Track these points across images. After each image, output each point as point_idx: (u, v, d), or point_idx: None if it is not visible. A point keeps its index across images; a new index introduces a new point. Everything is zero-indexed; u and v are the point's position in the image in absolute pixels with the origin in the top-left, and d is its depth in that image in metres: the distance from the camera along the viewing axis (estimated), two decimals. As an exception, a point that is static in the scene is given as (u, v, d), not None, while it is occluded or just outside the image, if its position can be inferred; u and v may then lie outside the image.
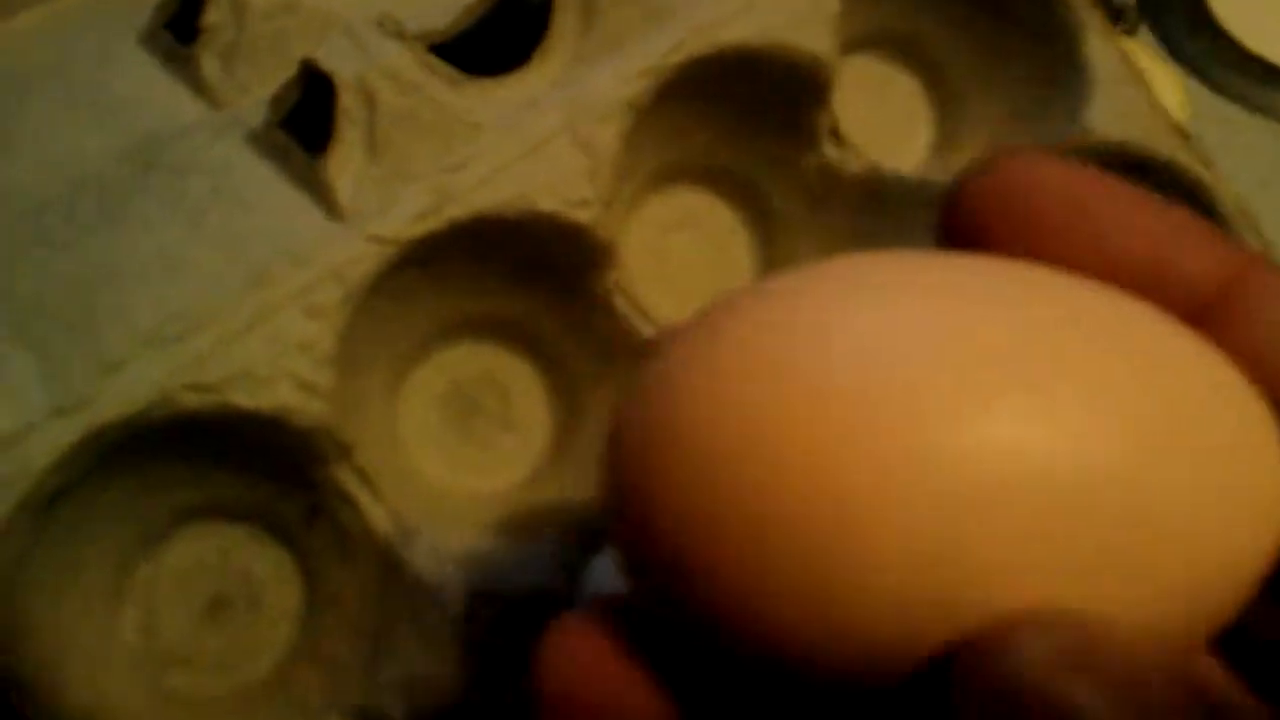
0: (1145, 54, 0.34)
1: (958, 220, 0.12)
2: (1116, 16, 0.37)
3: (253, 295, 0.19)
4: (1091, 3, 0.26)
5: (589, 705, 0.11)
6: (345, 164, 0.25)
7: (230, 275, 0.24)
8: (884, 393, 0.10)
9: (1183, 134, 0.26)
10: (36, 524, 0.18)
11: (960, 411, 0.10)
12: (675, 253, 0.24)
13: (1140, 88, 0.25)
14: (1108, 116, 0.24)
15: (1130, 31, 0.38)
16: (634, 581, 0.11)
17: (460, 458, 0.23)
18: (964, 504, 0.10)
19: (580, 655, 0.11)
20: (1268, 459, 0.11)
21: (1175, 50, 0.38)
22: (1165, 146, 0.25)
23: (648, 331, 0.22)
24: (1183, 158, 0.25)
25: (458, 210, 0.20)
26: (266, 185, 0.26)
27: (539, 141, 0.21)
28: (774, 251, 0.25)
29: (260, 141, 0.27)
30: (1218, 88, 0.38)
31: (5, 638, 0.18)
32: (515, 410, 0.23)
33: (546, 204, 0.21)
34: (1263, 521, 0.10)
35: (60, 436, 0.18)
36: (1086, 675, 0.09)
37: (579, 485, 0.23)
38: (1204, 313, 0.11)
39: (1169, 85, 0.34)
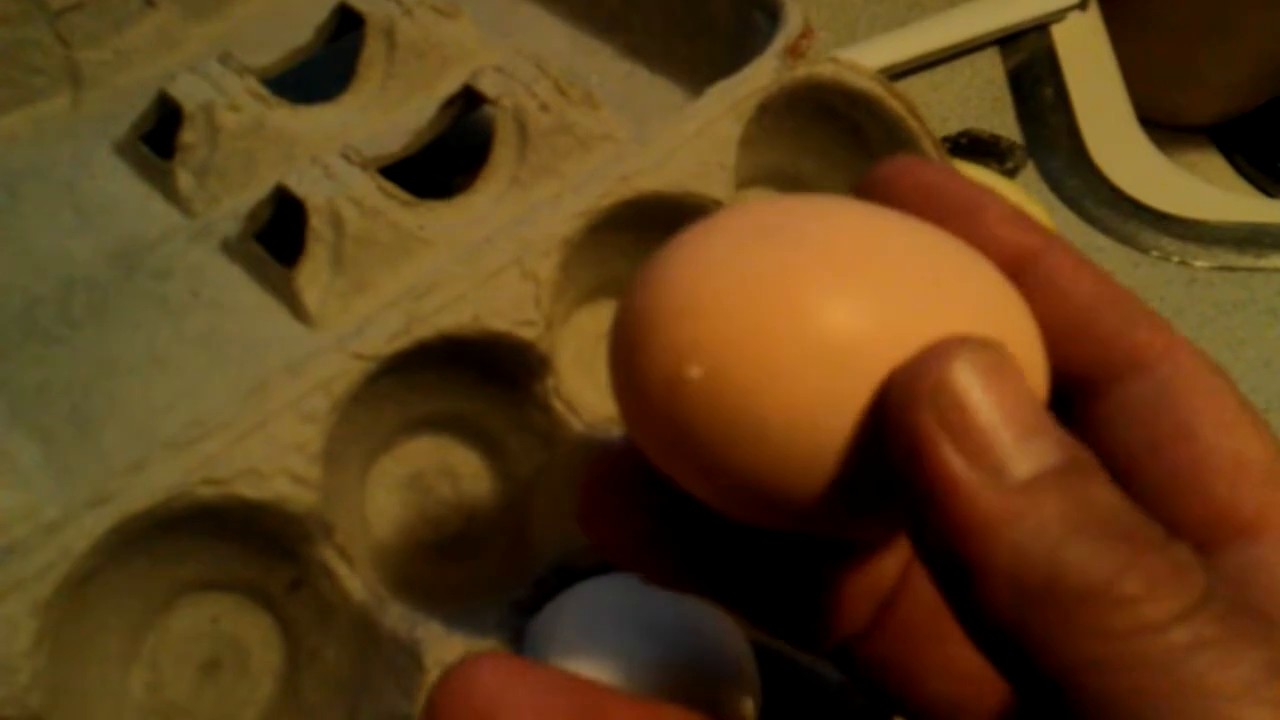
0: (1022, 193, 0.40)
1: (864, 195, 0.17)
2: (1005, 155, 0.43)
3: (256, 403, 0.23)
4: (940, 149, 0.31)
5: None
6: (314, 277, 0.29)
7: (213, 373, 0.28)
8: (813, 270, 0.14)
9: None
10: (72, 599, 0.22)
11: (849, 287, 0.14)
12: (603, 358, 0.29)
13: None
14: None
15: (1018, 168, 0.44)
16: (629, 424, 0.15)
17: (418, 536, 0.27)
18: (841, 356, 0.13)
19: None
20: (1033, 347, 0.15)
21: (1055, 186, 0.44)
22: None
23: (579, 426, 0.27)
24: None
25: (424, 330, 0.25)
26: (240, 290, 0.30)
27: (492, 272, 0.25)
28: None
29: (234, 250, 0.31)
30: (1090, 219, 0.44)
31: (48, 697, 0.21)
32: (465, 495, 0.27)
33: (498, 324, 0.25)
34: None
35: (96, 525, 0.21)
36: (998, 382, 0.13)
37: (519, 561, 0.27)
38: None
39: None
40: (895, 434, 0.13)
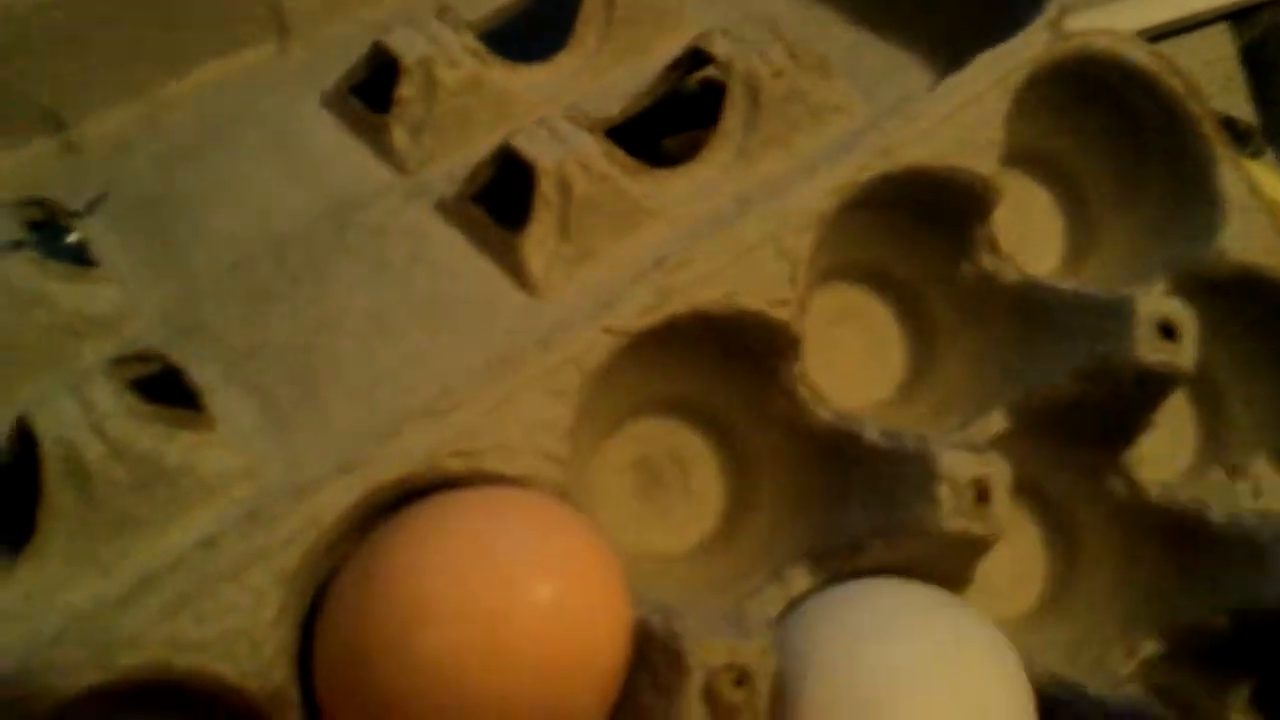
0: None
1: None
2: (1243, 140, 0.40)
3: (503, 376, 0.22)
4: (1221, 134, 0.28)
5: None
6: (540, 243, 0.27)
7: (437, 339, 0.27)
8: None
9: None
10: (316, 570, 0.21)
11: None
12: (841, 343, 0.27)
13: (1266, 216, 0.27)
14: (1239, 240, 0.27)
15: (1259, 153, 0.40)
16: None
17: (642, 521, 0.25)
18: None
19: None
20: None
21: (1296, 174, 0.40)
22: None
23: (826, 415, 0.25)
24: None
25: (677, 305, 0.23)
26: (459, 253, 0.29)
27: (746, 248, 0.24)
28: (927, 348, 0.27)
29: (451, 211, 0.29)
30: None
31: (291, 672, 0.20)
32: (693, 483, 0.26)
33: (752, 303, 0.23)
34: None
35: (346, 494, 0.20)
36: None
37: (748, 556, 0.25)
38: None
39: None
40: None
